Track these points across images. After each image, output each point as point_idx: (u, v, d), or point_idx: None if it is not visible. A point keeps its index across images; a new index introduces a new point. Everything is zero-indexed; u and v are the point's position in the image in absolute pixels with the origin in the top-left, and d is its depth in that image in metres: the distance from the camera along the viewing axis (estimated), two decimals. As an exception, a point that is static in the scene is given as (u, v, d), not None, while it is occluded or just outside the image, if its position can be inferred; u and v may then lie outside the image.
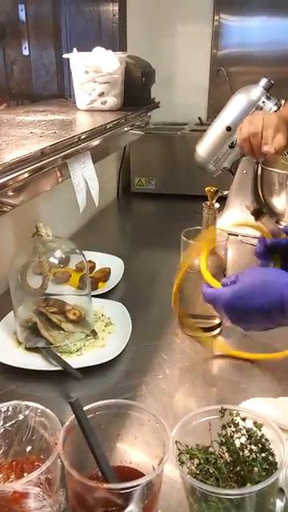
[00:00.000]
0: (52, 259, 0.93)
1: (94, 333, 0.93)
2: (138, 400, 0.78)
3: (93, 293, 1.03)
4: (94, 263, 1.22)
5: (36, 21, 1.75)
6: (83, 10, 1.72)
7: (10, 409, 0.58)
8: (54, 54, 1.78)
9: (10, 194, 0.80)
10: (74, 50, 1.41)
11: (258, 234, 1.45)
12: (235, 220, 1.43)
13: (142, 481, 0.50)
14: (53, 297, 0.97)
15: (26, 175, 0.82)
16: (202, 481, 0.53)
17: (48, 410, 0.57)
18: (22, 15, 1.75)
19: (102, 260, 1.25)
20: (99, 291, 1.10)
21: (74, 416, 0.55)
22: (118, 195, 1.94)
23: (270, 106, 1.27)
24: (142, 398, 0.79)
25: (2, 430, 0.57)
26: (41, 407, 0.58)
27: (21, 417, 0.58)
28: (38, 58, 1.79)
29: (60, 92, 1.79)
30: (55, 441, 0.53)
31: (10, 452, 0.58)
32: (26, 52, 1.80)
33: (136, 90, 1.51)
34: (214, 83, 2.07)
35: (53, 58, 1.78)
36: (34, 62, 1.79)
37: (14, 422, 0.58)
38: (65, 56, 1.42)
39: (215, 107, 1.91)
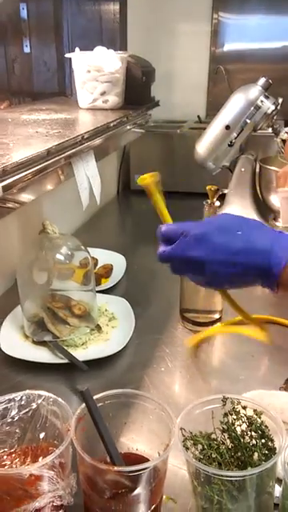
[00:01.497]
0: (58, 255, 0.96)
1: (98, 327, 0.97)
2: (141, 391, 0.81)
3: (96, 288, 1.06)
4: (97, 259, 1.25)
5: (37, 19, 1.77)
6: (84, 9, 1.74)
7: (24, 398, 0.61)
8: (55, 51, 1.80)
9: (18, 192, 0.83)
10: (77, 49, 1.43)
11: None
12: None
13: (150, 464, 0.53)
14: (58, 292, 0.99)
15: (33, 174, 0.85)
16: (205, 465, 0.56)
17: (60, 399, 0.60)
18: (24, 13, 1.78)
19: (105, 256, 1.28)
20: (102, 287, 1.13)
21: (84, 404, 0.58)
22: (118, 193, 1.97)
23: (268, 105, 1.30)
24: (145, 390, 0.82)
25: (16, 418, 0.60)
26: (53, 396, 0.61)
27: (34, 405, 0.61)
28: (39, 56, 1.81)
29: (61, 90, 1.82)
30: (67, 427, 0.56)
31: (24, 439, 0.61)
32: (27, 49, 1.82)
33: (137, 88, 1.54)
34: (213, 81, 2.09)
35: (54, 56, 1.80)
36: (35, 60, 1.81)
37: (27, 410, 0.61)
38: (67, 55, 1.44)
39: (214, 105, 1.94)
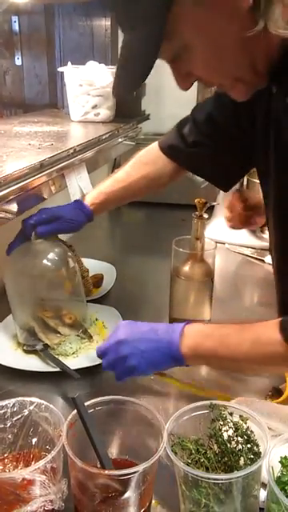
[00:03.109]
0: (45, 261, 0.96)
1: (89, 336, 0.98)
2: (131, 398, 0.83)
3: (86, 298, 1.08)
4: (88, 269, 1.27)
5: (29, 32, 1.80)
6: (76, 24, 1.77)
7: (16, 404, 0.62)
8: (47, 64, 1.83)
9: (13, 203, 0.85)
10: (69, 63, 1.46)
11: (244, 242, 1.52)
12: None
13: (139, 467, 0.55)
14: (49, 302, 1.01)
15: (27, 186, 0.87)
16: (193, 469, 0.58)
17: (51, 406, 0.62)
18: (15, 26, 1.80)
19: (95, 266, 1.29)
20: (93, 296, 1.15)
21: (75, 411, 0.60)
22: (108, 203, 1.99)
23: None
24: (135, 397, 0.83)
25: (9, 424, 0.62)
26: (45, 403, 0.62)
27: (26, 412, 0.62)
28: (31, 69, 1.84)
29: (52, 102, 1.84)
30: (59, 433, 0.58)
31: (17, 445, 0.62)
32: (18, 62, 1.85)
33: (127, 102, 1.57)
34: (202, 95, 2.13)
35: (45, 69, 1.83)
36: (27, 72, 1.84)
37: (19, 416, 0.62)
38: (60, 69, 1.47)
39: (203, 119, 1.98)
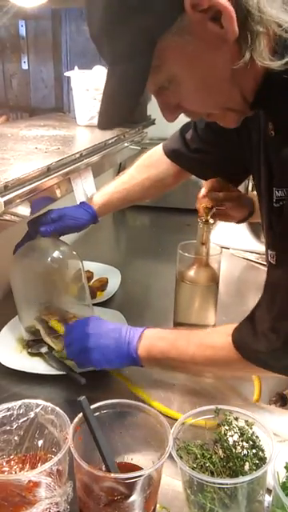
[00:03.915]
0: (50, 262, 0.97)
1: (93, 339, 0.98)
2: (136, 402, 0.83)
3: (91, 302, 1.08)
4: (92, 273, 1.27)
5: (36, 36, 1.81)
6: (83, 29, 1.77)
7: (22, 407, 0.63)
8: (53, 68, 1.84)
9: (19, 206, 0.85)
10: (76, 67, 1.47)
11: (248, 247, 1.52)
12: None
13: (145, 472, 0.55)
14: (53, 303, 1.01)
15: (34, 189, 0.88)
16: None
17: (57, 408, 0.62)
18: (22, 31, 1.82)
19: (99, 270, 1.30)
20: (97, 300, 1.15)
21: (81, 414, 0.60)
22: (113, 207, 1.99)
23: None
24: (140, 401, 0.84)
25: (15, 426, 0.62)
26: (51, 405, 0.63)
27: (32, 414, 0.63)
28: (37, 73, 1.85)
29: (58, 106, 1.85)
30: (65, 436, 0.58)
31: (23, 447, 0.63)
32: (25, 66, 1.86)
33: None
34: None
35: (51, 73, 1.84)
36: (33, 76, 1.85)
37: (25, 418, 0.62)
38: (66, 74, 1.48)
39: (208, 124, 1.98)
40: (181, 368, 0.82)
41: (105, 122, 0.65)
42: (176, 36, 0.54)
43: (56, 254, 0.98)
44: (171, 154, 1.03)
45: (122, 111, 0.62)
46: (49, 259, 0.97)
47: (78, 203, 1.07)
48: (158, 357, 0.78)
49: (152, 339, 0.80)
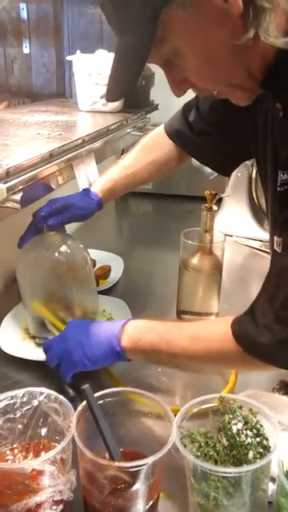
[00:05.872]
0: (57, 254, 0.96)
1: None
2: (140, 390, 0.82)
3: (95, 289, 1.07)
4: (95, 261, 1.26)
5: (37, 20, 1.78)
6: (85, 12, 1.75)
7: (26, 395, 0.62)
8: (55, 53, 1.81)
9: (21, 193, 0.84)
10: (78, 51, 1.45)
11: (251, 235, 1.51)
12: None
13: (149, 460, 0.55)
14: (60, 294, 1.00)
15: (37, 176, 0.87)
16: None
17: (61, 396, 0.62)
18: (23, 14, 1.79)
19: (102, 258, 1.29)
20: (100, 288, 1.15)
21: (85, 402, 0.60)
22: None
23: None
24: (143, 389, 0.83)
25: (18, 415, 0.62)
26: (54, 393, 0.62)
27: (35, 402, 0.62)
28: (39, 57, 1.82)
29: (60, 91, 1.83)
30: (69, 424, 0.58)
31: (26, 435, 0.62)
32: (26, 50, 1.84)
33: (136, 92, 1.55)
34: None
35: (53, 57, 1.81)
36: (34, 61, 1.82)
37: (29, 407, 0.62)
38: (68, 58, 1.45)
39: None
40: (170, 362, 0.78)
41: (111, 93, 0.65)
42: (179, 8, 0.54)
43: (64, 248, 0.96)
44: (174, 134, 1.00)
45: (126, 82, 0.62)
46: (57, 254, 0.95)
47: (81, 190, 1.05)
48: (145, 349, 0.75)
49: (138, 331, 0.76)
